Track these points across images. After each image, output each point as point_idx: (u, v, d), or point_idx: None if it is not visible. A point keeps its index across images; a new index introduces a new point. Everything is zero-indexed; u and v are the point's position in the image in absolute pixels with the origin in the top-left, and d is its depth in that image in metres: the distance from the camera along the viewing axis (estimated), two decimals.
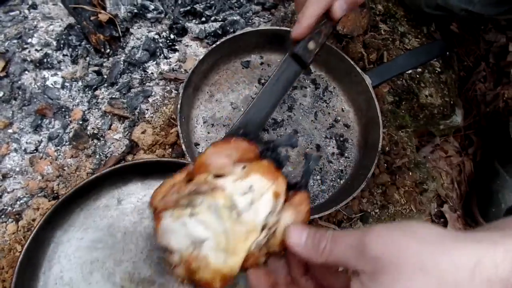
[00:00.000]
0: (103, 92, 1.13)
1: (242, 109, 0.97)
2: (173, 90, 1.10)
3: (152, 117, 1.04)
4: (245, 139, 0.50)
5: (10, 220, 0.98)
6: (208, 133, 0.94)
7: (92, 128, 1.07)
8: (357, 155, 1.01)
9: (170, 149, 0.98)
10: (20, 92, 1.15)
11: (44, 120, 1.13)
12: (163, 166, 0.74)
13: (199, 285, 0.45)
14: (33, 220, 0.93)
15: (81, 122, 1.11)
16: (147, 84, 1.11)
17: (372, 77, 0.97)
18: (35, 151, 1.10)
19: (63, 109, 1.13)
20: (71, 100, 1.15)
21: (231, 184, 0.45)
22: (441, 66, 1.30)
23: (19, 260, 0.58)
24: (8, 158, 1.09)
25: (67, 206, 0.68)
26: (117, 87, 1.13)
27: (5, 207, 1.03)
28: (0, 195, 1.05)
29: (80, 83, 1.16)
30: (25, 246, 0.61)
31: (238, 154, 0.47)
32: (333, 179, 0.98)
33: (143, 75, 1.13)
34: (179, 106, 0.84)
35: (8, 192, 1.06)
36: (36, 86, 1.16)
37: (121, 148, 1.01)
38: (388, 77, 0.98)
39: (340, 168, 0.99)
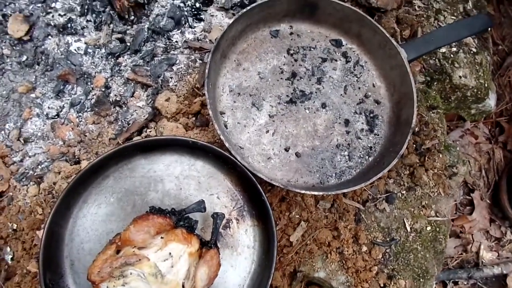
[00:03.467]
0: (126, 60, 1.10)
1: (269, 80, 0.94)
2: (197, 60, 1.07)
3: (176, 85, 1.01)
4: (160, 215, 0.60)
5: (31, 183, 0.98)
6: (234, 102, 0.91)
7: (115, 95, 1.05)
8: (387, 132, 0.96)
9: (193, 118, 0.95)
10: (43, 57, 1.14)
11: (67, 86, 1.11)
12: (163, 143, 0.77)
13: None
14: (54, 183, 0.92)
15: (103, 89, 1.09)
16: (172, 52, 1.08)
17: (408, 51, 0.92)
18: (56, 117, 1.09)
19: (85, 76, 1.12)
20: (94, 67, 1.13)
21: (153, 254, 0.56)
22: (477, 46, 1.23)
23: (43, 237, 0.62)
24: (30, 122, 1.08)
25: (79, 186, 0.71)
26: (140, 54, 1.10)
27: (26, 171, 1.02)
28: (21, 159, 1.04)
29: (103, 50, 1.14)
30: (47, 224, 0.64)
31: (155, 228, 0.59)
32: (361, 155, 0.94)
33: (167, 43, 1.10)
34: (207, 71, 0.81)
35: (29, 156, 1.05)
36: (59, 51, 1.14)
37: (144, 116, 0.99)
38: (426, 51, 0.92)
39: (369, 145, 0.95)
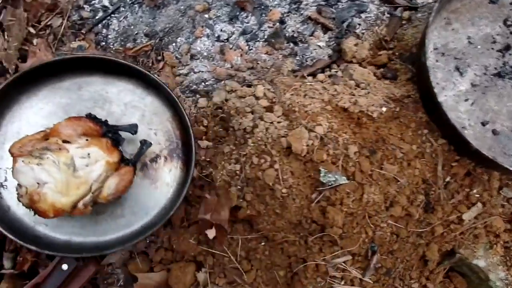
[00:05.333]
0: None
1: (479, 47, 0.84)
2: (386, 13, 0.99)
3: (363, 33, 0.95)
4: (92, 121, 0.66)
5: (197, 96, 0.99)
6: (436, 61, 0.82)
7: (292, 31, 1.02)
8: None
9: (381, 69, 0.89)
10: None
11: (242, 13, 1.10)
12: (124, 68, 0.79)
13: (37, 212, 0.62)
14: (226, 100, 0.91)
15: (277, 24, 1.06)
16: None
17: None
18: (226, 41, 1.08)
19: (262, 7, 1.09)
20: (271, 0, 1.10)
21: (74, 149, 0.63)
22: None
23: None
24: (199, 41, 1.09)
25: (34, 77, 0.74)
26: None
27: (191, 84, 1.03)
28: (187, 73, 1.06)
29: None
30: None
31: (83, 129, 0.65)
32: None
33: None
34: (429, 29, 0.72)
35: (195, 72, 1.06)
36: None
37: (323, 56, 0.95)
38: None
39: None
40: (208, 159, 0.88)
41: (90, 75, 0.79)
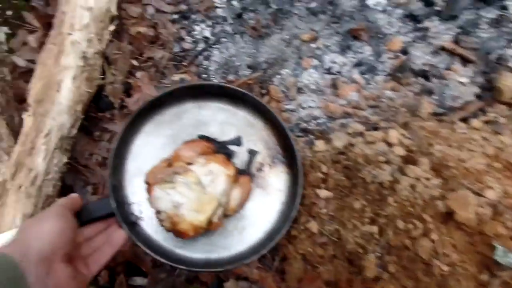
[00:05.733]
0: (436, 26, 0.92)
1: None
2: None
3: None
4: (205, 140, 0.74)
5: (311, 136, 0.89)
6: None
7: (422, 64, 0.88)
8: None
9: None
10: (331, 7, 1.03)
11: (355, 42, 0.99)
12: (212, 90, 0.84)
13: (178, 234, 0.65)
14: (351, 145, 0.79)
15: (398, 54, 0.94)
16: (508, 25, 0.85)
17: None
18: (337, 73, 0.97)
19: (379, 35, 0.98)
20: (389, 27, 0.98)
21: (198, 169, 0.69)
22: None
23: (111, 155, 0.72)
24: (306, 73, 0.99)
25: (142, 117, 0.80)
26: (456, 23, 0.91)
27: (300, 122, 0.93)
28: (295, 109, 0.96)
29: (400, 11, 0.98)
30: (115, 144, 0.74)
31: (200, 150, 0.72)
32: None
33: (500, 14, 0.88)
34: None
35: (302, 108, 0.96)
36: (350, 3, 1.02)
37: (468, 96, 0.80)
38: None
39: None
40: (330, 213, 0.76)
41: (184, 103, 0.85)
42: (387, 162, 0.71)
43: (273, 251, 0.83)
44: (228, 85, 0.83)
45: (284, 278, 0.77)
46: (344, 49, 0.98)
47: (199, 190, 0.67)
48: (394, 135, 0.75)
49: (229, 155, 0.75)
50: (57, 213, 0.50)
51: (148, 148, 0.80)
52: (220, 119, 0.83)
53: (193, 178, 0.67)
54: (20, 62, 0.91)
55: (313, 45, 1.01)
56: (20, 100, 0.89)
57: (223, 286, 0.78)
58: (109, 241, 0.60)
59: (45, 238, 0.45)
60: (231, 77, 1.00)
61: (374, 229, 0.67)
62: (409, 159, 0.70)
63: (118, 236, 0.60)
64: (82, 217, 0.64)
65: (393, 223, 0.65)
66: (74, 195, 0.60)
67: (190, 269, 0.70)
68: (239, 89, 0.82)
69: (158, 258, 0.67)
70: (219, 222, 0.68)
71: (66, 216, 0.51)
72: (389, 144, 0.75)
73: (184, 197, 0.66)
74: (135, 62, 1.00)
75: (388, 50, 0.94)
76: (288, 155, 0.80)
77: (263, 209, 0.78)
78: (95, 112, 0.95)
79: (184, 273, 0.80)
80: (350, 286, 0.68)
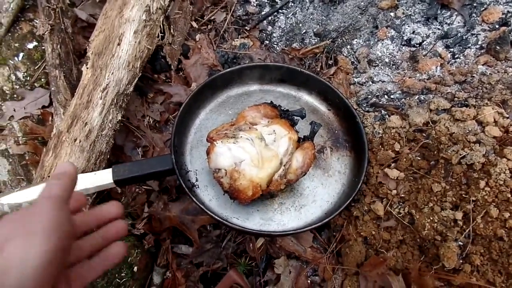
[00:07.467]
0: None
1: None
2: None
3: None
4: (270, 105, 0.72)
5: (383, 112, 0.78)
6: None
7: None
8: None
9: None
10: None
11: (443, 11, 0.86)
12: (274, 72, 0.83)
13: (236, 193, 0.63)
14: (433, 121, 0.68)
15: (496, 26, 0.80)
16: None
17: None
18: (418, 45, 0.86)
19: (474, 4, 0.84)
20: None
21: (261, 127, 0.68)
22: None
23: (176, 121, 0.72)
24: (381, 44, 0.89)
25: (206, 92, 0.80)
26: None
27: (369, 97, 0.83)
28: (364, 82, 0.87)
29: None
30: (179, 113, 0.73)
31: (264, 112, 0.71)
32: None
33: None
34: None
35: (373, 82, 0.86)
36: None
37: None
38: None
39: None
40: (402, 195, 0.66)
41: (250, 85, 0.85)
42: (478, 142, 0.60)
43: (330, 232, 0.75)
44: (295, 67, 0.81)
45: (341, 260, 0.69)
46: (428, 19, 0.86)
47: (261, 145, 0.65)
48: (490, 112, 0.63)
49: (293, 122, 0.72)
50: (52, 222, 0.32)
51: (210, 123, 0.80)
52: (283, 104, 0.81)
53: (255, 134, 0.66)
54: (83, 15, 0.89)
55: (391, 14, 0.90)
56: (79, 55, 0.88)
57: (273, 262, 0.72)
58: (105, 255, 0.43)
59: (29, 270, 0.29)
60: (295, 45, 0.93)
61: (458, 215, 0.57)
62: (504, 140, 0.59)
63: (118, 249, 0.43)
64: (140, 171, 0.64)
65: (484, 210, 0.55)
66: (68, 169, 0.40)
67: (245, 229, 0.67)
68: (305, 71, 0.81)
69: (214, 216, 0.64)
70: (280, 181, 0.64)
71: (62, 226, 0.31)
72: (481, 123, 0.63)
73: (246, 152, 0.63)
74: (195, 24, 0.95)
75: (482, 21, 0.81)
76: (352, 139, 0.78)
77: (323, 189, 0.74)
78: (151, 73, 0.92)
79: (231, 245, 0.74)
80: (422, 276, 0.59)
